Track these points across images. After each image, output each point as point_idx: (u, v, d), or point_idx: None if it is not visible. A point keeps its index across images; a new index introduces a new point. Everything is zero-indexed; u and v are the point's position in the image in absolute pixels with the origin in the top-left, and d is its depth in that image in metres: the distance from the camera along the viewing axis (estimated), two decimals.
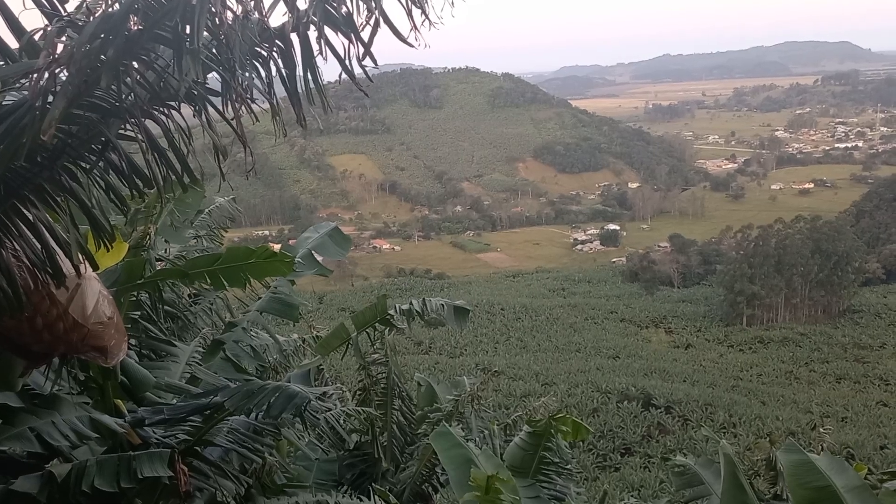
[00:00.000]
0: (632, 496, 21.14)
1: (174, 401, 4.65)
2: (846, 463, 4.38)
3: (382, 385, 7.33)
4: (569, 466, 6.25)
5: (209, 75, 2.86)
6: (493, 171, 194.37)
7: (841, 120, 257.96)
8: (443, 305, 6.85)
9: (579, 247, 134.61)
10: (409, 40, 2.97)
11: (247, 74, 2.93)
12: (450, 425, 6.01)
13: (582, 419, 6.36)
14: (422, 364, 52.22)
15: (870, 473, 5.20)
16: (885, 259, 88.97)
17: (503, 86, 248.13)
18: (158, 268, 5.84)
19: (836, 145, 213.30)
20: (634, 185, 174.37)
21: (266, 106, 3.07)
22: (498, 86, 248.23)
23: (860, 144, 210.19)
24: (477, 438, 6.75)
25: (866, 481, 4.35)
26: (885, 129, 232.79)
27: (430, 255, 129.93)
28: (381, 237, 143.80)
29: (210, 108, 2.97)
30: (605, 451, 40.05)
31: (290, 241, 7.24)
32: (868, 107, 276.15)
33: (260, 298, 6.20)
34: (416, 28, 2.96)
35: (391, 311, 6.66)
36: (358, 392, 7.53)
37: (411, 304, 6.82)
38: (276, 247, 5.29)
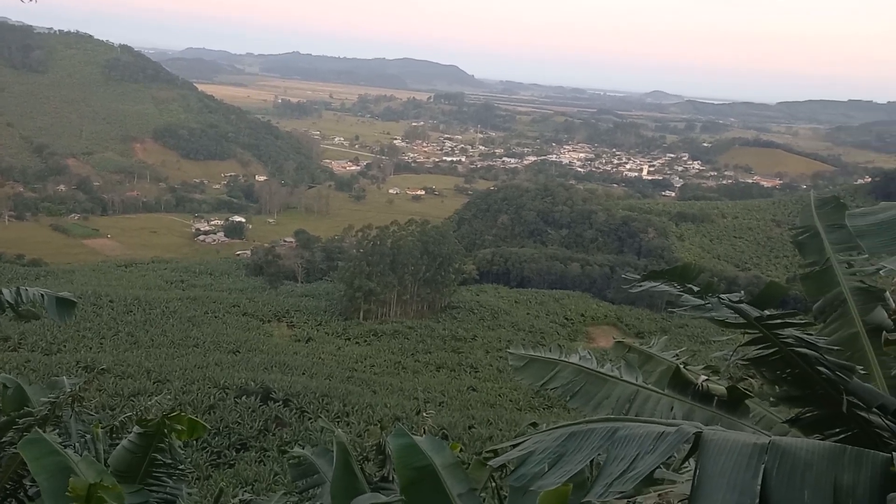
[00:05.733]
0: (246, 491, 21.07)
1: None
2: (443, 443, 4.83)
3: None
4: (182, 467, 5.95)
5: None
6: (106, 149, 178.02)
7: (448, 136, 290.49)
8: (43, 296, 6.03)
9: (202, 237, 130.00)
10: None
11: None
12: (44, 431, 5.31)
13: (198, 416, 6.12)
14: (9, 363, 45.50)
15: (461, 451, 5.84)
16: (479, 262, 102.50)
17: (120, 58, 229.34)
18: None
19: (444, 158, 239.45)
20: (262, 178, 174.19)
21: None
22: (114, 57, 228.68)
23: (463, 160, 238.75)
24: (77, 444, 6.08)
25: (458, 458, 4.85)
26: (483, 147, 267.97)
27: (23, 239, 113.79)
28: None
29: None
30: (220, 448, 39.17)
31: None
32: (470, 126, 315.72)
33: None
34: None
35: None
36: None
37: (2, 293, 5.89)
38: None
